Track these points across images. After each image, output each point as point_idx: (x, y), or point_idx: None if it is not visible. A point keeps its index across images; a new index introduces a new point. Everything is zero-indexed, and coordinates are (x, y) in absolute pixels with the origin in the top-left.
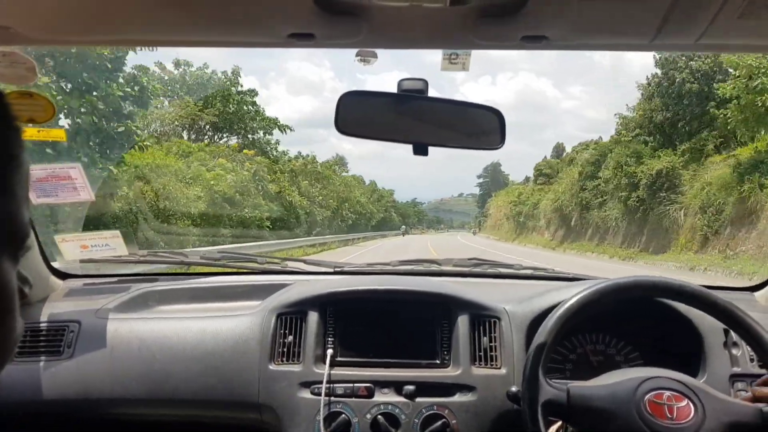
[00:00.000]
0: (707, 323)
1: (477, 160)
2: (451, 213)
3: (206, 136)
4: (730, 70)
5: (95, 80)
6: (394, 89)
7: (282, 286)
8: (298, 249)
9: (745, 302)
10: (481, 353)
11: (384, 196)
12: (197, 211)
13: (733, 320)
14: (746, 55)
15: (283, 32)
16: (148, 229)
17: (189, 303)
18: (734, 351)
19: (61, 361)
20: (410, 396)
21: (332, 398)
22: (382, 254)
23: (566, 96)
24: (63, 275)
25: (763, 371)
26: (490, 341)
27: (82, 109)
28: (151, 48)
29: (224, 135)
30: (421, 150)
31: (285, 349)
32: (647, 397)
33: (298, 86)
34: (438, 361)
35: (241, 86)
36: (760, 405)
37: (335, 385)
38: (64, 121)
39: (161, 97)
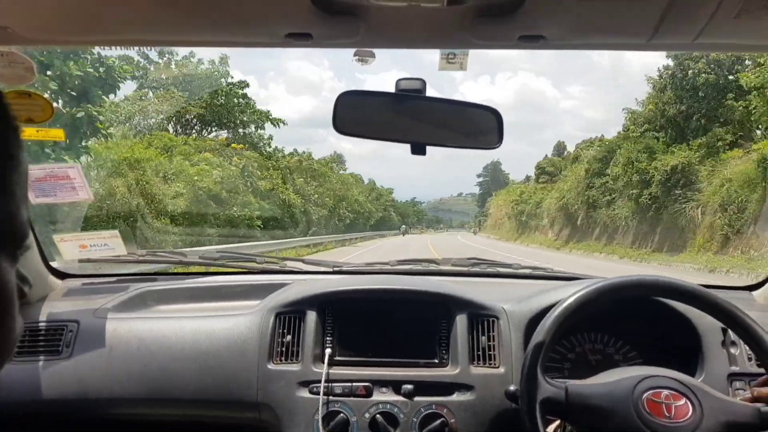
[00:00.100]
0: (705, 322)
1: (476, 159)
2: (450, 213)
3: (194, 130)
4: (747, 61)
5: (49, 58)
6: (392, 89)
7: (280, 285)
8: (290, 250)
9: (743, 301)
10: (480, 352)
11: (382, 195)
12: (177, 209)
13: (731, 319)
14: (746, 54)
15: (281, 32)
16: (122, 228)
17: (188, 302)
18: (732, 350)
19: (59, 360)
20: (409, 395)
21: (331, 397)
22: (381, 255)
23: (565, 96)
24: (62, 275)
25: (761, 370)
26: (489, 340)
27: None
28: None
29: (213, 129)
30: (419, 150)
31: (283, 349)
32: (645, 395)
33: (297, 86)
34: (436, 361)
35: (231, 77)
36: (759, 405)
37: (334, 384)
38: None
39: (146, 89)
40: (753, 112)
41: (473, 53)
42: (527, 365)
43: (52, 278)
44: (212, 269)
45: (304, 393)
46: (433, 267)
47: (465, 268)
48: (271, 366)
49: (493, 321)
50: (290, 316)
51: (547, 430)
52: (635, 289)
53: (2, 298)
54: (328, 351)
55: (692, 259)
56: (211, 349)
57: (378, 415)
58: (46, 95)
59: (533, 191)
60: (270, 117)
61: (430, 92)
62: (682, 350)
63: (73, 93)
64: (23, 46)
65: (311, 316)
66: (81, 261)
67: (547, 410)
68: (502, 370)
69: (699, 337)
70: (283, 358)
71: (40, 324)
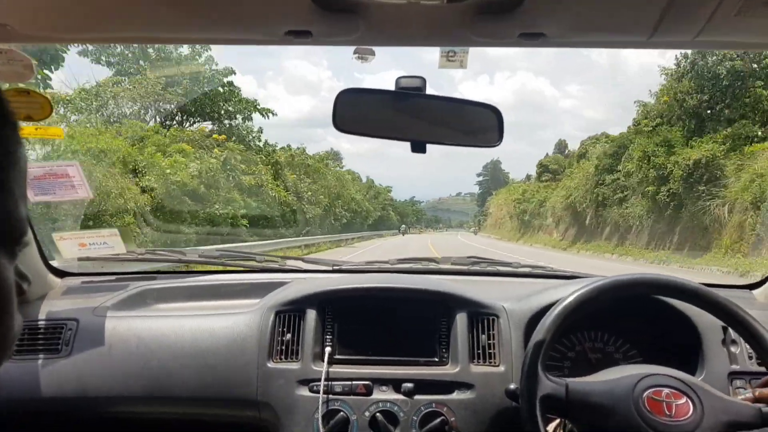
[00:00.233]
0: (706, 321)
1: (475, 158)
2: (449, 212)
3: (174, 121)
4: None
5: None
6: (392, 88)
7: (280, 284)
8: (280, 251)
9: (744, 300)
10: (480, 351)
11: (381, 193)
12: (146, 205)
13: (732, 318)
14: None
15: (281, 29)
16: (73, 227)
17: (187, 301)
18: (733, 348)
19: (59, 359)
20: (409, 393)
21: (330, 396)
22: (380, 255)
23: (564, 95)
24: (61, 273)
25: (762, 369)
26: (489, 339)
27: None
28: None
29: (196, 120)
30: (419, 147)
31: (283, 347)
32: (646, 393)
33: (296, 85)
34: (436, 359)
35: (216, 64)
36: (760, 405)
37: (333, 382)
38: None
39: (123, 76)
40: None
41: (473, 52)
42: (527, 363)
43: (51, 277)
44: (212, 268)
45: (304, 391)
46: (432, 266)
47: (465, 267)
48: (270, 364)
49: (493, 319)
50: (290, 314)
51: (547, 429)
52: (635, 287)
53: (1, 295)
54: (327, 349)
55: (718, 261)
56: (211, 347)
57: (378, 414)
58: None
59: (536, 190)
60: (257, 107)
61: (430, 91)
62: (683, 349)
63: None
64: (22, 44)
65: (311, 315)
66: (80, 259)
67: (547, 407)
68: (502, 368)
69: (699, 336)
70: (282, 357)
71: (40, 322)
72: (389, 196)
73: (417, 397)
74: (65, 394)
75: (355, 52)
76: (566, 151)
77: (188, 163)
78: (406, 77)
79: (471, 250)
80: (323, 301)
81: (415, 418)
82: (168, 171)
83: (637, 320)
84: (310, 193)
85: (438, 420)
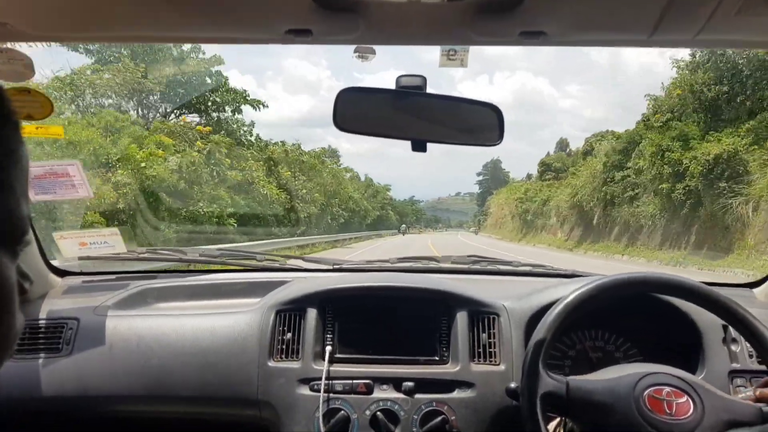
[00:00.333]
0: (706, 319)
1: (475, 158)
2: (448, 212)
3: (158, 113)
4: None
5: None
6: (392, 87)
7: (281, 283)
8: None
9: (744, 298)
10: (480, 350)
11: (379, 192)
12: (115, 202)
13: (732, 316)
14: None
15: (281, 28)
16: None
17: (188, 300)
18: (733, 347)
19: (59, 358)
20: (409, 392)
21: (331, 395)
22: (380, 255)
23: (564, 95)
24: (62, 273)
25: (762, 367)
26: (489, 338)
27: None
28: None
29: (182, 111)
30: (419, 146)
31: (284, 346)
32: (647, 392)
33: (295, 85)
34: (437, 358)
35: (203, 53)
36: (761, 405)
37: (334, 381)
38: None
39: (103, 63)
40: None
41: (472, 52)
42: (528, 361)
43: (52, 276)
44: (212, 267)
45: (305, 390)
46: (433, 265)
47: (465, 266)
48: (271, 363)
49: (493, 318)
50: (291, 313)
51: (547, 428)
52: (636, 286)
53: (2, 294)
54: (328, 348)
55: (742, 263)
56: (212, 346)
57: (379, 413)
58: None
59: (539, 189)
60: (247, 98)
61: (430, 91)
62: (683, 347)
63: None
64: (22, 43)
65: (312, 314)
66: (81, 258)
67: (548, 405)
68: (502, 367)
69: (700, 335)
70: (283, 356)
71: (40, 321)
72: (388, 195)
73: (417, 395)
74: (66, 393)
75: (355, 51)
76: (567, 150)
77: (167, 157)
78: (406, 76)
79: (474, 251)
80: (324, 300)
81: (416, 416)
82: (143, 165)
83: (637, 319)
84: (304, 191)
85: (438, 419)
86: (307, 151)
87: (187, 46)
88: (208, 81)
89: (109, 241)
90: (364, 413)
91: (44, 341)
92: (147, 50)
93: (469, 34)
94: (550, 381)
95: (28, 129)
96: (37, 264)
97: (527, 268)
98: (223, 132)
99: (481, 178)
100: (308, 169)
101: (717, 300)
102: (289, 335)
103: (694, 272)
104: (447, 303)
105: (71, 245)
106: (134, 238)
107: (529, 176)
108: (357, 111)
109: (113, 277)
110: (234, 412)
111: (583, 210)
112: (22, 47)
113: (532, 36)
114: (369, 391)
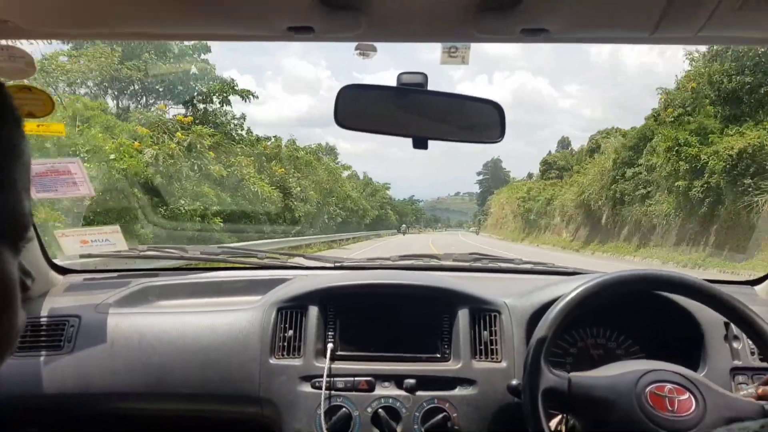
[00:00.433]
0: (708, 316)
1: (475, 158)
2: (448, 212)
3: (139, 104)
4: None
5: None
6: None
7: (282, 280)
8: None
9: (746, 296)
10: (482, 347)
11: (378, 191)
12: (80, 200)
13: (734, 313)
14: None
15: (282, 25)
16: None
17: (189, 298)
18: (735, 344)
19: (61, 355)
20: (411, 390)
21: (333, 392)
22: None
23: (564, 95)
24: (63, 270)
25: (764, 364)
26: (491, 335)
27: None
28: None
29: (167, 102)
30: (420, 143)
31: (285, 344)
32: (648, 389)
33: (296, 85)
34: (438, 355)
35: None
36: (763, 402)
37: (336, 378)
38: None
39: (81, 49)
40: None
41: (473, 50)
42: (530, 358)
43: (53, 273)
44: (214, 265)
45: (306, 387)
46: (434, 262)
47: (466, 264)
48: (273, 361)
49: (495, 315)
50: (292, 311)
51: (549, 425)
52: (637, 283)
53: (5, 292)
54: (330, 346)
55: None
56: (213, 344)
57: (380, 410)
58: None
59: (542, 188)
60: (235, 87)
61: (431, 88)
62: (685, 345)
63: None
64: (23, 40)
65: (313, 311)
66: (82, 256)
67: (549, 401)
68: (504, 364)
69: (701, 332)
70: (285, 353)
71: (42, 319)
72: (387, 194)
73: (419, 393)
74: (67, 390)
75: (356, 48)
76: (569, 148)
77: (143, 149)
78: (407, 73)
79: (477, 251)
80: (325, 298)
81: (418, 414)
82: (112, 157)
83: (639, 316)
84: (299, 188)
85: (440, 416)
86: (302, 147)
87: None
88: (194, 69)
89: (111, 239)
90: (365, 410)
91: (46, 339)
92: None
93: (471, 31)
94: (551, 377)
95: (29, 126)
96: (39, 262)
97: (529, 266)
98: (210, 125)
99: (481, 177)
100: (303, 166)
101: (719, 297)
102: (290, 332)
103: (716, 275)
104: (448, 300)
105: (72, 243)
106: None
107: (530, 175)
108: (358, 108)
109: (114, 274)
110: (235, 410)
111: (591, 209)
112: (23, 44)
113: (534, 33)
114: (370, 388)
